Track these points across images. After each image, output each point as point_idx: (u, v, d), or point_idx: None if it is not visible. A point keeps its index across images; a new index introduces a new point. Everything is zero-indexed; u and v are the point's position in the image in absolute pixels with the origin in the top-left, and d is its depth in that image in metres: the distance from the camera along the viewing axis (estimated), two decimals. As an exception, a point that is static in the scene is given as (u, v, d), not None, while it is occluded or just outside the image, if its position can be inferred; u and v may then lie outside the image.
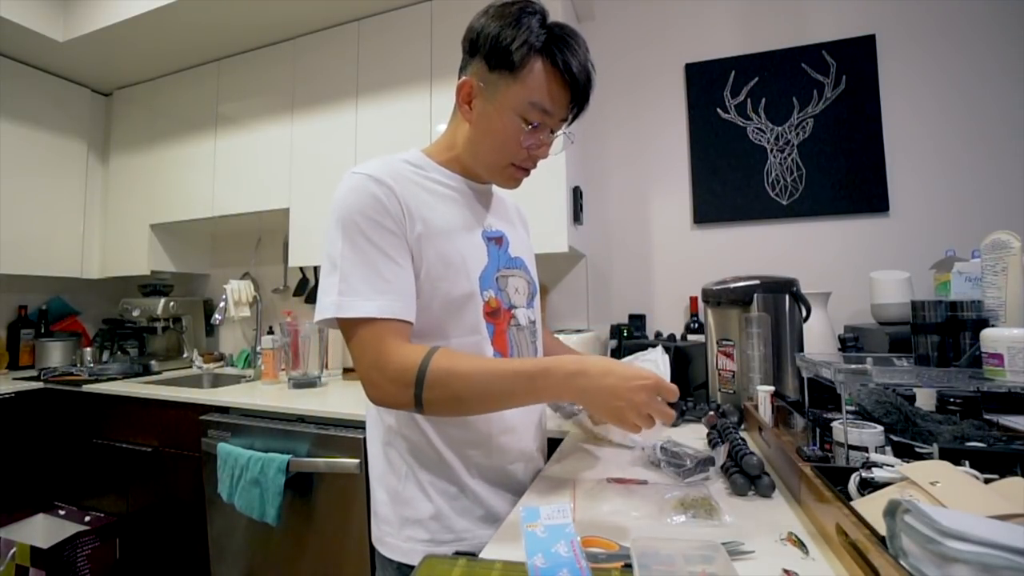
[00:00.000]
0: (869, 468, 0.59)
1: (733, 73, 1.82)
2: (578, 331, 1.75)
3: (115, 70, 2.44)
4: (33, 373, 2.26)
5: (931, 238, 1.57)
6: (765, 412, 0.94)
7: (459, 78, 0.76)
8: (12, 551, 1.74)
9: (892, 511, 0.43)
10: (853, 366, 0.76)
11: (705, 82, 1.86)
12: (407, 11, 1.90)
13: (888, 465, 0.60)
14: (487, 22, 0.71)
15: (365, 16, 1.97)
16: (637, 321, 1.85)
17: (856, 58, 1.68)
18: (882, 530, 0.45)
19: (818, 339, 1.38)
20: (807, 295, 1.22)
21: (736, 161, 1.80)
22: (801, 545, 0.56)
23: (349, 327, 0.67)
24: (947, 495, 0.49)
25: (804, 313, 1.22)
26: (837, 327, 1.50)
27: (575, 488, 0.75)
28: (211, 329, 2.62)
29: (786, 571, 0.50)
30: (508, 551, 0.56)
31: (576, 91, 0.73)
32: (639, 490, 0.73)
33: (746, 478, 0.72)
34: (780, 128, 1.76)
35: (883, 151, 1.64)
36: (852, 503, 0.54)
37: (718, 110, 1.84)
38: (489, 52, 0.70)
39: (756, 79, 1.79)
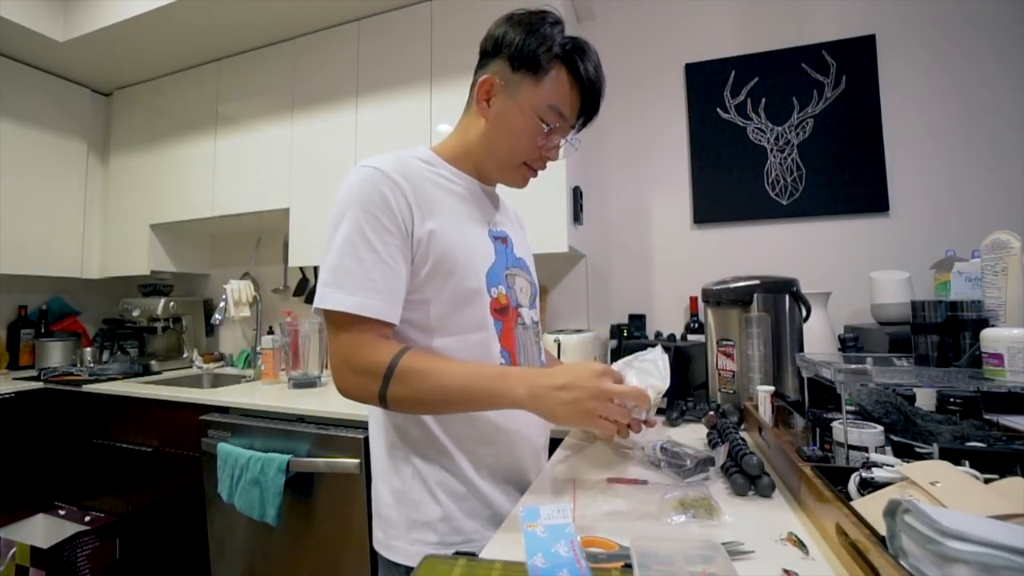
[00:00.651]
0: (869, 468, 0.59)
1: (733, 73, 1.82)
2: (578, 331, 1.74)
3: (115, 70, 2.45)
4: (33, 373, 2.26)
5: (931, 238, 1.57)
6: (765, 412, 0.94)
7: (476, 77, 0.77)
8: (12, 551, 1.74)
9: (892, 511, 0.43)
10: (853, 366, 0.76)
11: (705, 82, 1.86)
12: (407, 11, 1.90)
13: (888, 465, 0.60)
14: (513, 26, 0.74)
15: (365, 16, 1.97)
16: (637, 321, 1.85)
17: (856, 58, 1.68)
18: (882, 530, 0.45)
19: (818, 339, 1.38)
20: (807, 295, 1.23)
21: (736, 161, 1.80)
22: (801, 545, 0.56)
23: (328, 318, 0.69)
24: (947, 495, 0.49)
25: (804, 313, 1.22)
26: (837, 327, 1.50)
27: (575, 488, 0.75)
28: (211, 329, 2.62)
29: (786, 571, 0.50)
30: (508, 551, 0.56)
31: (589, 100, 0.78)
32: (639, 490, 0.73)
33: (746, 478, 0.72)
34: (780, 128, 1.76)
35: (883, 151, 1.64)
36: (852, 503, 0.54)
37: (718, 110, 1.84)
38: (515, 54, 0.73)
39: (756, 79, 1.79)
